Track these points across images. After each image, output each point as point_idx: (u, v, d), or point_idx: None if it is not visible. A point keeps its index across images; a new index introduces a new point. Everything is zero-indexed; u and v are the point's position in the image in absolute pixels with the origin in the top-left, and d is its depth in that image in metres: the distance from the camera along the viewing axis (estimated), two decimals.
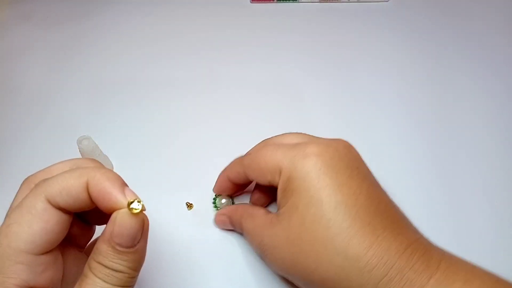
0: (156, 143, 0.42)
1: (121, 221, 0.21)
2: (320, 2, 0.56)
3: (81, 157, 0.37)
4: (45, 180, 0.23)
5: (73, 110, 0.46)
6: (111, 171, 0.23)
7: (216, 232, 0.36)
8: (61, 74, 0.49)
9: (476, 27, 0.53)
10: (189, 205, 0.37)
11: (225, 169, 0.35)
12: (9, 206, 0.39)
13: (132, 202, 0.22)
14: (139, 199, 0.22)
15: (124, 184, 0.23)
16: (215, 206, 0.36)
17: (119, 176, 0.23)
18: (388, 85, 0.47)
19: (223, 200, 0.36)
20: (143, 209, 0.22)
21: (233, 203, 0.37)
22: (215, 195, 0.37)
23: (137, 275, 0.23)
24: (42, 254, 0.22)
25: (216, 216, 0.36)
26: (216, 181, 0.35)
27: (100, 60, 0.50)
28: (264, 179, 0.30)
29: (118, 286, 0.22)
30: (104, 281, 0.21)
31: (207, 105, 0.46)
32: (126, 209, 0.21)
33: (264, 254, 0.29)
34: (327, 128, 0.43)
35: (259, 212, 0.31)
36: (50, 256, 0.22)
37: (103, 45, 0.52)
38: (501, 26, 0.53)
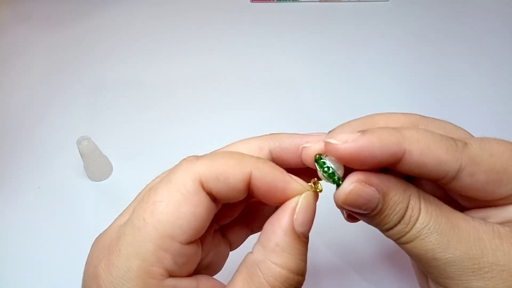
0: (155, 144, 0.42)
1: (307, 206, 0.19)
2: (320, 1, 0.56)
3: (81, 157, 0.37)
4: (199, 157, 0.20)
5: (72, 110, 0.45)
6: (269, 161, 0.21)
7: None
8: (60, 74, 0.49)
9: (475, 26, 0.53)
10: None
11: (372, 134, 0.19)
12: (11, 205, 0.39)
13: (315, 183, 0.20)
14: (318, 179, 0.20)
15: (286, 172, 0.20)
16: (329, 173, 0.20)
17: (279, 167, 0.21)
18: (388, 84, 0.47)
19: (332, 160, 0.20)
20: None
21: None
22: (319, 155, 0.21)
23: None
24: (187, 244, 0.19)
25: (353, 189, 0.19)
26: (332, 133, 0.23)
27: (100, 60, 0.50)
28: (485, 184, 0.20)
29: None
30: None
31: (208, 104, 0.46)
32: (310, 192, 0.20)
33: (474, 276, 0.19)
34: (327, 128, 0.43)
35: (441, 203, 0.21)
36: (193, 247, 0.20)
37: (103, 45, 0.52)
38: (500, 25, 0.53)
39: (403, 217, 0.20)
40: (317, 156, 0.21)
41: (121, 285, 0.18)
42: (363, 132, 0.19)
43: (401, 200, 0.20)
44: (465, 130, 0.24)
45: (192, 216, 0.18)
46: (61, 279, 0.33)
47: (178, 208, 0.18)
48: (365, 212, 0.20)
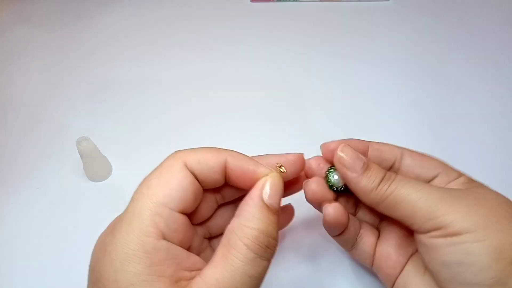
0: (155, 144, 0.42)
1: (274, 183, 0.23)
2: (320, 1, 0.56)
3: (80, 157, 0.37)
4: (184, 150, 0.25)
5: (72, 110, 0.45)
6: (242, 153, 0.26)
7: None
8: (60, 74, 0.49)
9: (476, 26, 0.53)
10: None
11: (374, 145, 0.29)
12: (10, 205, 0.39)
13: (279, 166, 0.25)
14: (280, 164, 0.25)
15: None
16: (330, 182, 0.28)
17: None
18: (388, 84, 0.47)
19: (336, 177, 0.28)
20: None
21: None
22: (329, 168, 0.29)
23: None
24: (177, 212, 0.23)
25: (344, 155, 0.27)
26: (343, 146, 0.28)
27: (99, 60, 0.50)
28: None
29: (267, 260, 0.22)
30: (257, 255, 0.21)
31: (207, 104, 0.46)
32: (276, 173, 0.24)
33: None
34: (327, 128, 0.43)
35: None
36: (183, 219, 0.23)
37: (102, 45, 0.52)
38: (502, 25, 0.53)
39: (383, 177, 0.26)
40: (329, 168, 0.29)
41: (122, 244, 0.21)
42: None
43: (380, 168, 0.26)
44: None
45: (179, 187, 0.23)
46: (61, 279, 0.33)
47: (168, 182, 0.23)
48: (356, 169, 0.26)
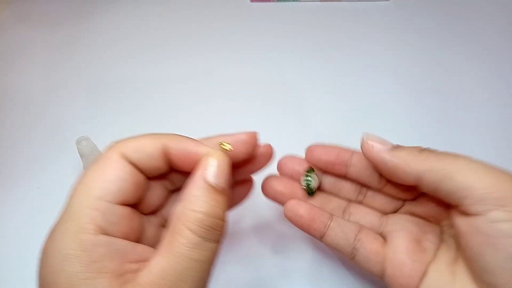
0: None
1: (217, 161, 0.22)
2: (320, 1, 0.56)
3: (80, 157, 0.37)
4: (122, 139, 0.24)
5: (72, 110, 0.45)
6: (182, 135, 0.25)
7: None
8: (60, 74, 0.49)
9: (477, 26, 0.53)
10: None
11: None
12: (10, 205, 0.39)
13: (222, 144, 0.24)
14: (223, 141, 0.24)
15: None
16: (309, 187, 0.28)
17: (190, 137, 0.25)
18: (388, 84, 0.47)
19: (315, 180, 0.28)
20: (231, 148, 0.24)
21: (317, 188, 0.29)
22: (309, 169, 0.29)
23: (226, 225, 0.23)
24: (117, 204, 0.22)
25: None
26: (324, 147, 0.29)
27: (99, 60, 0.50)
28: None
29: (214, 242, 0.21)
30: (203, 238, 0.21)
31: (207, 105, 0.46)
32: (219, 151, 0.23)
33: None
34: (327, 128, 0.43)
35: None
36: (125, 210, 0.22)
37: (102, 45, 0.52)
38: (502, 26, 0.53)
39: (422, 149, 0.25)
40: (308, 169, 0.28)
41: (59, 245, 0.20)
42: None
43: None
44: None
45: (116, 179, 0.22)
46: None
47: (104, 174, 0.22)
48: (388, 144, 0.26)
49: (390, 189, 0.28)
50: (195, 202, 0.21)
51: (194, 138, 0.24)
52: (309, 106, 0.45)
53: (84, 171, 0.23)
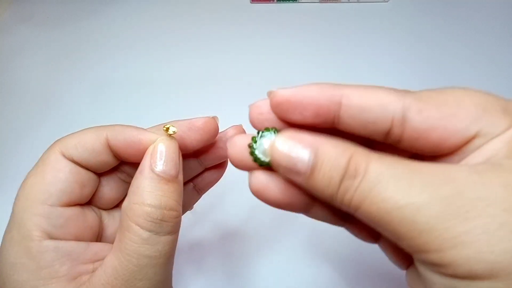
0: None
1: (162, 147, 0.21)
2: (320, 2, 0.56)
3: None
4: (62, 137, 0.22)
5: (73, 109, 0.46)
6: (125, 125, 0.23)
7: (217, 233, 0.36)
8: (61, 74, 0.49)
9: (475, 26, 0.53)
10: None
11: (298, 89, 0.20)
12: (9, 207, 0.39)
13: (166, 128, 0.21)
14: (167, 124, 0.22)
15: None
16: (254, 153, 0.19)
17: (135, 126, 0.22)
18: (389, 83, 0.47)
19: (269, 142, 0.19)
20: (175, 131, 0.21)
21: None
22: (254, 137, 0.20)
23: (181, 216, 0.21)
24: (61, 206, 0.21)
25: (276, 144, 0.18)
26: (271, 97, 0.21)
27: (100, 60, 0.51)
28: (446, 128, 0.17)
29: (166, 235, 0.20)
30: (153, 232, 0.19)
31: (208, 104, 0.46)
32: (163, 137, 0.21)
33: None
34: None
35: (408, 159, 0.17)
36: (73, 211, 0.21)
37: (103, 45, 0.52)
38: (501, 26, 0.53)
39: (346, 170, 0.16)
40: (250, 143, 0.19)
41: (7, 254, 0.20)
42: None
43: (340, 153, 0.17)
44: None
45: (56, 180, 0.21)
46: None
47: (43, 177, 0.21)
48: (300, 172, 0.17)
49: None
50: (141, 194, 0.20)
51: (137, 126, 0.22)
52: None
53: (26, 174, 0.22)
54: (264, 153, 0.19)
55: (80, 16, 0.56)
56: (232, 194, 0.38)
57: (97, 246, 0.21)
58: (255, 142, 0.19)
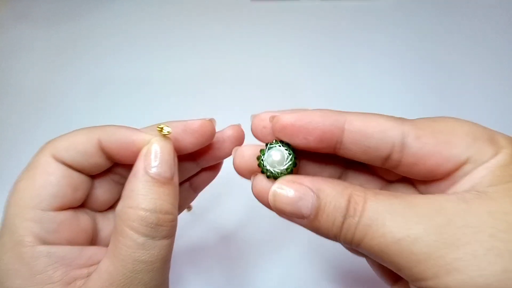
0: None
1: (156, 149, 0.20)
2: (321, 0, 0.56)
3: None
4: (57, 137, 0.22)
5: (72, 109, 0.45)
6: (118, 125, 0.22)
7: (215, 234, 0.36)
8: (58, 73, 0.49)
9: (478, 24, 0.53)
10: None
11: (302, 114, 0.21)
12: (2, 207, 0.39)
13: (161, 128, 0.20)
14: (161, 124, 0.21)
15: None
16: (263, 165, 0.20)
17: (129, 127, 0.22)
18: (389, 83, 0.47)
19: (277, 154, 0.20)
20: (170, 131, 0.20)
21: (294, 164, 0.20)
22: (263, 150, 0.20)
23: (177, 219, 0.21)
24: (53, 210, 0.20)
25: (278, 190, 0.19)
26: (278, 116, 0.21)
27: (99, 59, 0.50)
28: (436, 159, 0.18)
29: (162, 239, 0.19)
30: (148, 237, 0.19)
31: (208, 103, 0.46)
32: (157, 137, 0.20)
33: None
34: None
35: (401, 194, 0.18)
36: (66, 215, 0.21)
37: (102, 44, 0.52)
38: (504, 24, 0.53)
39: (347, 210, 0.17)
40: (259, 155, 0.20)
41: (0, 259, 0.19)
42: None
43: (340, 194, 0.18)
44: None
45: (47, 184, 0.20)
46: None
47: (34, 181, 0.20)
48: (303, 215, 0.18)
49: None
50: (135, 198, 0.19)
51: (130, 127, 0.22)
52: (310, 103, 0.45)
53: (17, 178, 0.21)
54: (272, 164, 0.20)
55: (77, 15, 0.55)
56: (231, 195, 0.37)
57: (91, 250, 0.21)
58: (263, 154, 0.20)
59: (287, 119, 0.20)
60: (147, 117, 0.44)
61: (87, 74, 0.49)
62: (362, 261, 0.32)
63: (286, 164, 0.20)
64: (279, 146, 0.20)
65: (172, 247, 0.20)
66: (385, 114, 0.20)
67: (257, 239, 0.36)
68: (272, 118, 0.21)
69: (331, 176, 0.23)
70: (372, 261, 0.23)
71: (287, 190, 0.18)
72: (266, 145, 0.20)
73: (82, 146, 0.21)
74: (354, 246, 0.18)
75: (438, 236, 0.16)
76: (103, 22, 0.54)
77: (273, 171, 0.20)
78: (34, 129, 0.44)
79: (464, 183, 0.18)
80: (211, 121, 0.23)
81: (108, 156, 0.22)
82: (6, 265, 0.19)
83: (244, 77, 0.48)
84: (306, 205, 0.18)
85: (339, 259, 0.34)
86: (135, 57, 0.50)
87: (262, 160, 0.20)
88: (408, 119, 0.19)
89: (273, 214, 0.34)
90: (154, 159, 0.20)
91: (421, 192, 0.20)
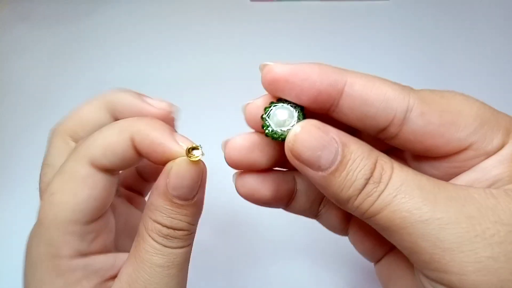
0: None
1: (178, 171, 0.19)
2: (320, 0, 0.56)
3: None
4: (85, 141, 0.20)
5: (70, 109, 0.45)
6: (153, 118, 0.21)
7: (215, 235, 0.36)
8: (60, 74, 0.49)
9: (476, 26, 0.53)
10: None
11: (298, 68, 0.19)
12: (8, 206, 0.39)
13: (191, 149, 0.19)
14: (196, 144, 0.20)
15: (173, 131, 0.21)
16: (267, 125, 0.18)
17: (164, 123, 0.21)
18: None
19: (283, 112, 0.18)
20: (202, 155, 0.19)
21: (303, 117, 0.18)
22: (267, 107, 0.19)
23: (195, 231, 0.21)
24: (92, 222, 0.20)
25: (302, 130, 0.17)
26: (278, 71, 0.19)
27: (99, 60, 0.50)
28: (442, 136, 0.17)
29: (178, 248, 0.20)
30: (164, 246, 0.20)
31: (207, 104, 0.46)
32: (184, 158, 0.19)
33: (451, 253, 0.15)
34: None
35: (420, 175, 0.16)
36: (101, 222, 0.21)
37: (102, 44, 0.52)
38: (502, 24, 0.53)
39: (372, 174, 0.16)
40: (263, 114, 0.18)
41: (35, 268, 0.19)
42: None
43: (366, 155, 0.16)
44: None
45: (90, 199, 0.20)
46: None
47: (75, 195, 0.19)
48: (321, 165, 0.16)
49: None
50: (154, 211, 0.19)
51: (165, 127, 0.21)
52: None
53: (50, 188, 0.20)
54: (278, 124, 0.17)
55: (77, 15, 0.55)
56: (230, 195, 0.37)
57: (119, 258, 0.21)
58: (268, 114, 0.18)
59: (279, 71, 0.18)
60: None
61: (87, 74, 0.49)
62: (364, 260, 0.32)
63: (294, 120, 0.17)
64: (285, 104, 0.18)
65: (189, 255, 0.21)
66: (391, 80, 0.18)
67: (257, 240, 0.36)
68: (264, 66, 0.18)
69: None
70: (358, 238, 0.22)
71: (311, 133, 0.16)
72: (270, 104, 0.18)
73: (119, 148, 0.20)
74: (367, 215, 0.16)
75: (470, 227, 0.14)
76: (103, 22, 0.54)
77: (279, 131, 0.17)
78: (34, 129, 0.44)
79: (471, 174, 0.17)
80: (171, 112, 0.23)
81: (139, 154, 0.21)
82: (42, 276, 0.19)
83: (244, 77, 0.48)
84: (327, 156, 0.16)
85: (342, 257, 0.34)
86: (135, 57, 0.50)
87: (267, 120, 0.18)
88: (415, 90, 0.18)
89: (273, 215, 0.34)
90: (175, 181, 0.19)
91: (410, 167, 0.18)
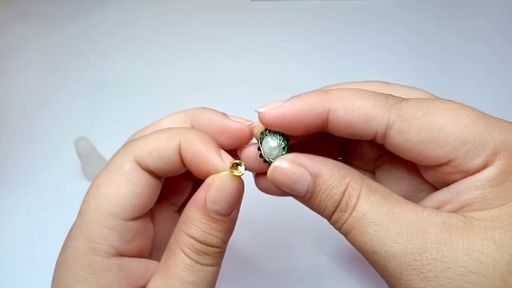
0: None
1: (220, 185, 0.19)
2: (321, 0, 0.56)
3: (78, 157, 0.37)
4: (135, 139, 0.21)
5: (70, 110, 0.45)
6: (203, 132, 0.21)
7: None
8: (58, 74, 0.49)
9: (477, 25, 0.52)
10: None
11: (296, 98, 0.20)
12: (8, 205, 0.38)
13: (235, 164, 0.19)
14: (240, 161, 0.20)
15: (218, 147, 0.21)
16: (261, 153, 0.21)
17: (211, 138, 0.21)
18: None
19: (273, 141, 0.20)
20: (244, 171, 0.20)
21: (288, 150, 0.21)
22: (263, 132, 0.21)
23: (225, 250, 0.21)
24: (132, 220, 0.20)
25: (278, 167, 0.20)
26: (269, 108, 0.20)
27: (97, 60, 0.50)
28: (427, 154, 0.18)
29: (209, 266, 0.20)
30: (195, 261, 0.19)
31: (207, 104, 0.45)
32: (227, 172, 0.19)
33: (417, 277, 0.17)
34: None
35: (390, 192, 0.19)
36: (140, 223, 0.21)
37: (100, 44, 0.52)
38: (503, 23, 0.53)
39: (338, 204, 0.18)
40: (260, 135, 0.21)
41: (70, 263, 0.19)
42: (290, 98, 0.19)
43: (336, 185, 0.19)
44: (431, 94, 0.22)
45: (132, 194, 0.20)
46: None
47: (118, 188, 0.20)
48: (298, 195, 0.19)
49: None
50: (189, 225, 0.20)
51: (211, 141, 0.21)
52: None
53: (96, 181, 0.20)
54: (269, 151, 0.20)
55: (76, 14, 0.55)
56: None
57: (151, 266, 0.21)
58: (262, 141, 0.21)
59: (269, 117, 0.20)
60: (147, 117, 0.44)
61: (87, 74, 0.48)
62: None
63: (278, 151, 0.20)
64: (274, 135, 0.21)
65: (217, 274, 0.21)
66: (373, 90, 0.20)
67: (257, 240, 0.35)
68: (258, 113, 0.21)
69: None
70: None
71: (285, 169, 0.19)
72: (266, 129, 0.21)
73: (166, 153, 0.20)
74: (342, 234, 0.19)
75: (412, 261, 0.17)
76: (102, 22, 0.54)
77: (266, 159, 0.20)
78: (34, 129, 0.43)
79: (448, 193, 0.19)
80: (250, 127, 0.23)
81: (183, 161, 0.21)
82: (77, 270, 0.19)
83: (244, 77, 0.48)
84: (301, 188, 0.19)
85: (343, 257, 0.34)
86: (134, 57, 0.50)
87: (260, 148, 0.21)
88: (399, 103, 0.19)
89: (273, 216, 0.34)
90: (215, 196, 0.19)
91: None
